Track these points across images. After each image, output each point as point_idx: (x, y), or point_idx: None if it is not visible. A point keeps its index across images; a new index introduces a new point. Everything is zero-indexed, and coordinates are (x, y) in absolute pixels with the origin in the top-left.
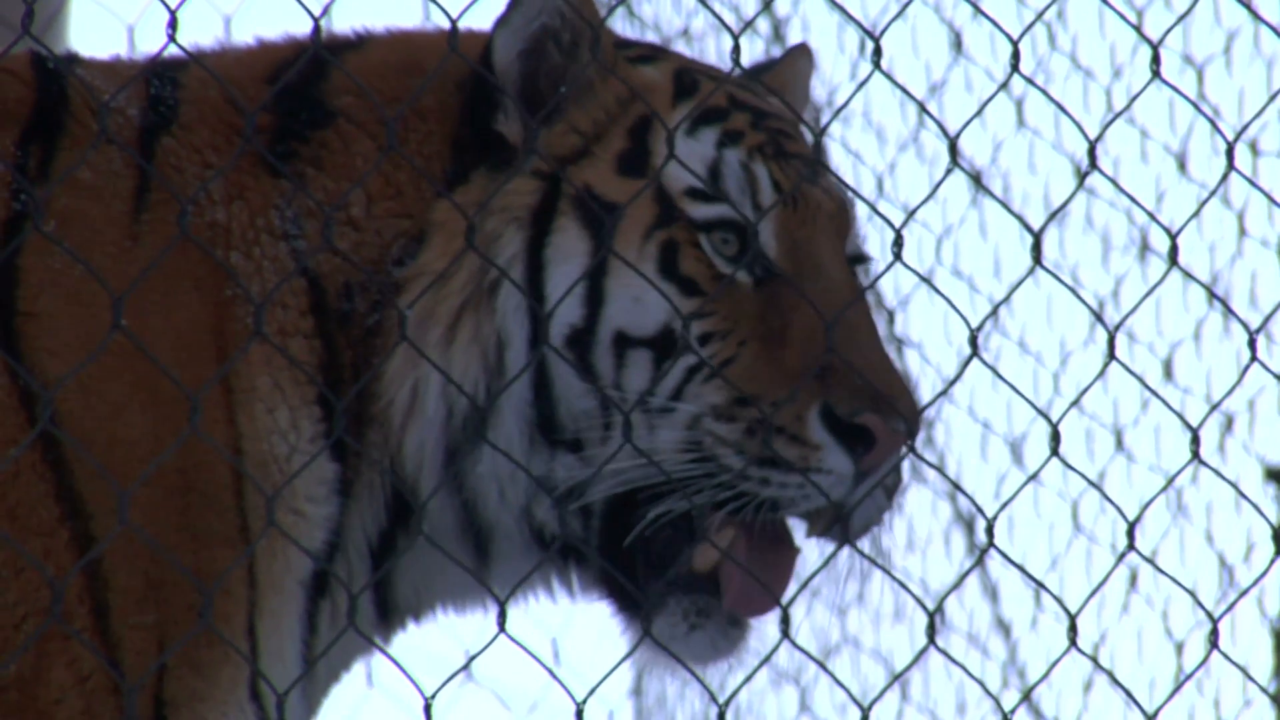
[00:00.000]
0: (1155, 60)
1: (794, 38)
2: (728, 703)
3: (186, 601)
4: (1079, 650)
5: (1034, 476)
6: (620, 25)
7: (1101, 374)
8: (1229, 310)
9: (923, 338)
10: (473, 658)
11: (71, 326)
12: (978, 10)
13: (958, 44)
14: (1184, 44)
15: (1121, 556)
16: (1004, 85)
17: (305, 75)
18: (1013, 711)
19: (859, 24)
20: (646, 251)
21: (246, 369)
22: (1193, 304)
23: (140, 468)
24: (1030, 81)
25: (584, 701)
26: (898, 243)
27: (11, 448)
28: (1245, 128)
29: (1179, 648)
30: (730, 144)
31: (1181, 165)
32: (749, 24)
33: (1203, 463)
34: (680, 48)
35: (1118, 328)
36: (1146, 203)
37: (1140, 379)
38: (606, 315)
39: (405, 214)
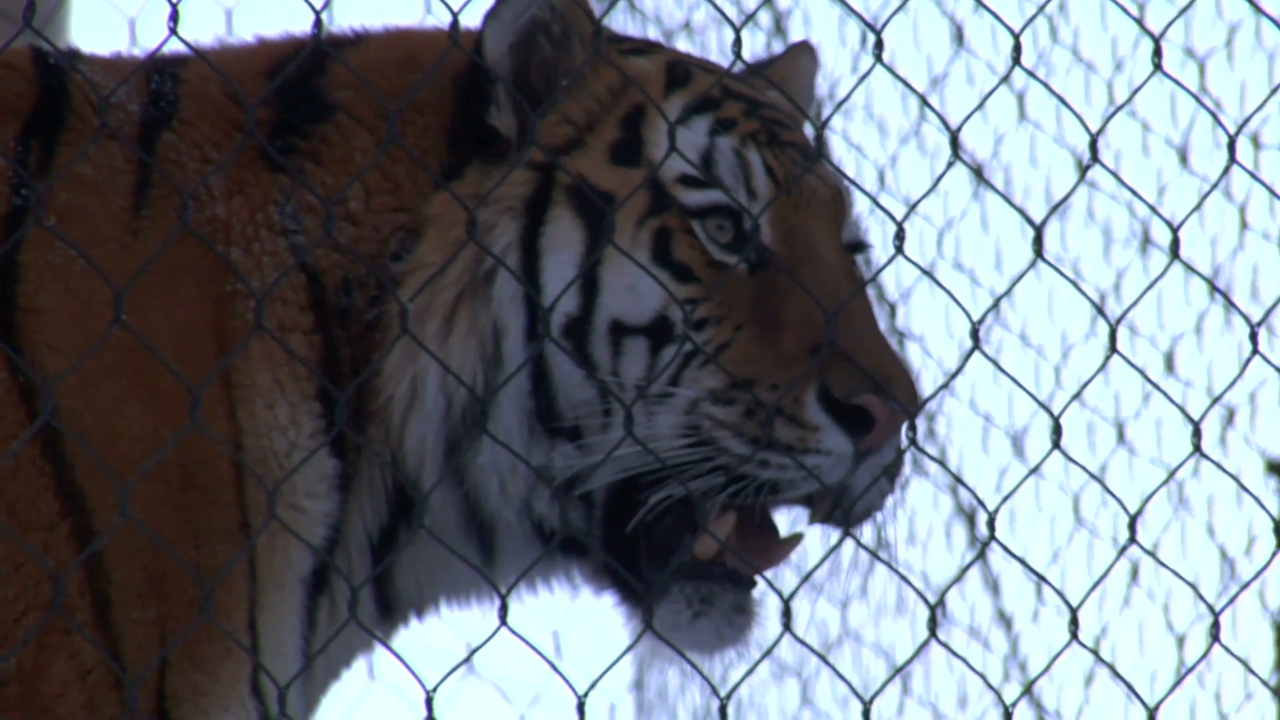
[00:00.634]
0: (1157, 53)
1: (795, 31)
2: (729, 696)
3: (187, 596)
4: (1080, 643)
5: (1035, 469)
6: (621, 19)
7: (1103, 367)
8: (1230, 303)
9: (924, 331)
10: (474, 651)
11: (72, 322)
12: (979, 3)
13: (959, 37)
14: (1185, 37)
15: (1123, 550)
16: (1005, 78)
17: (304, 70)
18: (1014, 705)
19: (860, 17)
20: (639, 239)
21: (246, 365)
22: (1194, 297)
23: (140, 463)
24: (1032, 75)
25: (585, 695)
26: (899, 236)
27: (11, 443)
28: (1247, 121)
29: (1180, 641)
30: (723, 131)
31: (1183, 158)
32: (750, 17)
33: (1204, 456)
34: (682, 41)
35: (1119, 321)
36: (1148, 196)
37: (1142, 372)
38: (602, 304)
39: (403, 208)
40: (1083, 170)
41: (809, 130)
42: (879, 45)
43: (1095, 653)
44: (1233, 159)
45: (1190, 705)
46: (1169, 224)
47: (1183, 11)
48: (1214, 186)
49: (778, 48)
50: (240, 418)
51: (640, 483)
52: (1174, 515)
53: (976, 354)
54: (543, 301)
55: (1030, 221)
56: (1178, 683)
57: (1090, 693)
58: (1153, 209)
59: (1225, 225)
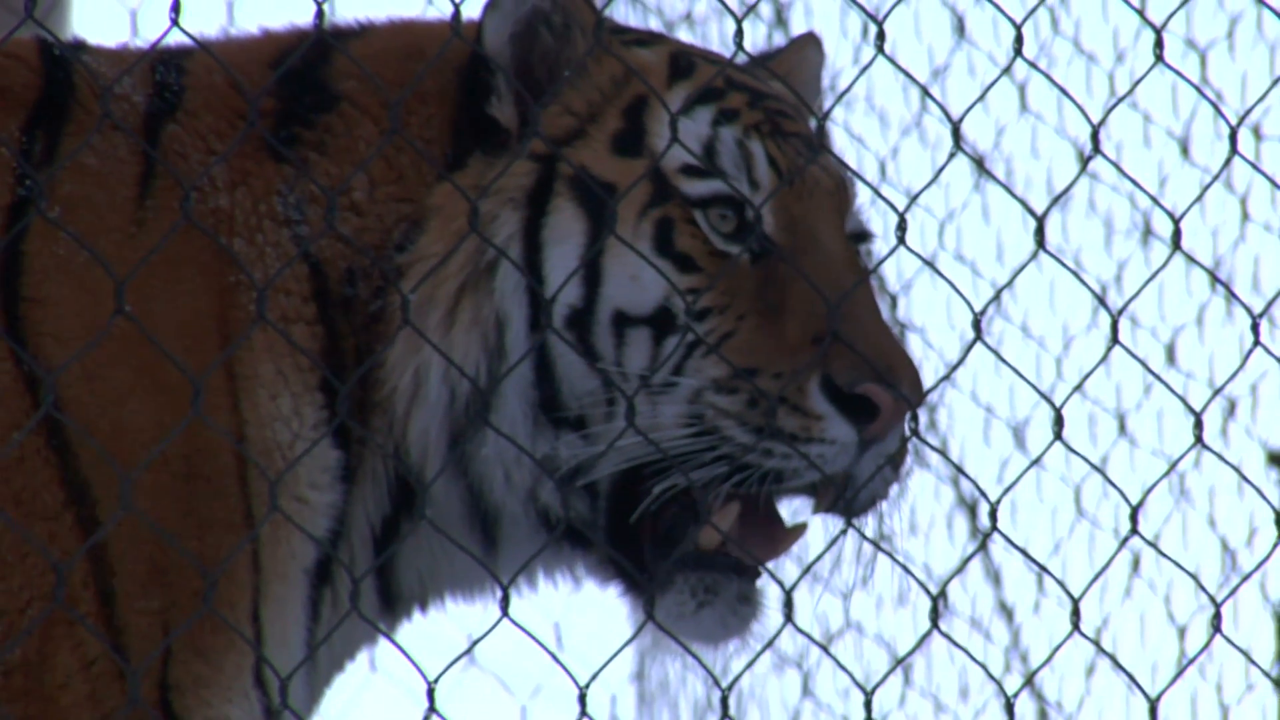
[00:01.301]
0: (1158, 45)
1: (797, 22)
2: (730, 686)
3: (191, 587)
4: (1082, 634)
5: (1037, 461)
6: (623, 10)
7: (1104, 358)
8: (1232, 295)
9: (926, 322)
10: (475, 642)
11: (76, 312)
12: None
13: (960, 28)
14: (1187, 28)
15: (1124, 541)
16: (1007, 70)
17: (309, 60)
18: (1015, 696)
19: (862, 8)
20: (641, 230)
21: (249, 356)
22: (1196, 288)
23: (144, 454)
24: (1033, 66)
25: (587, 686)
26: (901, 227)
27: (15, 433)
28: (1248, 112)
29: (1181, 632)
30: (726, 122)
31: (1184, 150)
32: (752, 8)
33: (1205, 447)
34: (683, 33)
35: (1120, 312)
36: (1149, 187)
37: (1143, 363)
38: (605, 294)
39: (406, 198)
40: (1084, 161)
41: (814, 122)
42: (880, 36)
43: (1097, 644)
44: (1234, 150)
45: (1192, 696)
46: (1170, 215)
47: (1184, 3)
48: (1215, 178)
49: (779, 39)
50: (243, 409)
51: (644, 473)
52: (1175, 507)
53: (978, 345)
54: (545, 293)
55: (1032, 213)
56: (1179, 674)
57: (1092, 684)
58: (1154, 200)
59: (1227, 217)
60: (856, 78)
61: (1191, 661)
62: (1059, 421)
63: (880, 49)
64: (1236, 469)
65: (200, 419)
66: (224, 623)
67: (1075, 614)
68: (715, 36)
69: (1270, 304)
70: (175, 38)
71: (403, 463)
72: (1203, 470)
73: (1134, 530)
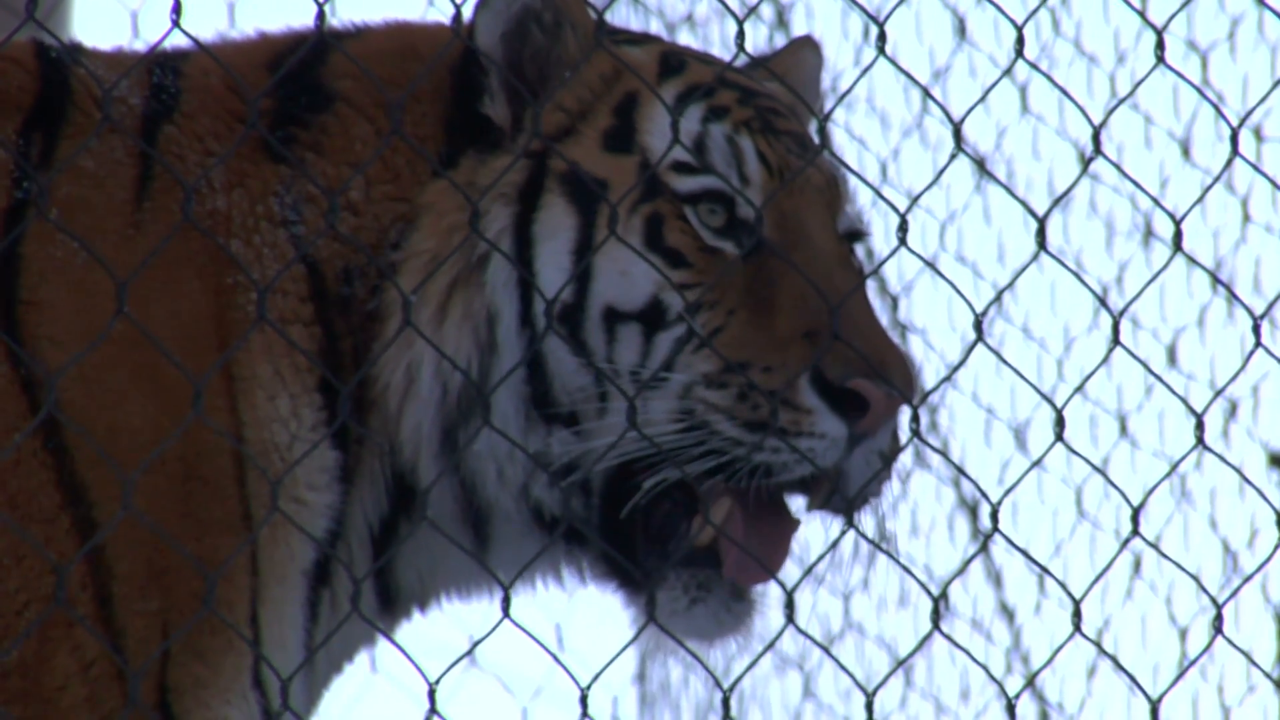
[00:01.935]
0: (1159, 46)
1: (798, 23)
2: (732, 688)
3: (190, 589)
4: (1083, 636)
5: (1038, 462)
6: (624, 11)
7: (1105, 360)
8: (1233, 296)
9: (927, 323)
10: (476, 643)
11: (73, 315)
12: None
13: (962, 29)
14: (1188, 29)
15: (1125, 542)
16: (1008, 71)
17: (304, 60)
18: (1016, 697)
19: (863, 9)
20: (631, 225)
21: (247, 357)
22: (1197, 290)
23: (142, 455)
24: (1034, 67)
25: (588, 687)
26: (902, 228)
27: (13, 435)
28: (1249, 113)
29: (1183, 633)
30: (716, 119)
31: (1185, 151)
32: (753, 9)
33: (1207, 448)
34: (684, 34)
35: (1122, 313)
36: (1150, 188)
37: (1144, 365)
38: (595, 290)
39: (402, 197)
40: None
41: (813, 123)
42: (881, 38)
43: (1098, 645)
44: (1235, 152)
45: (1193, 698)
46: (1172, 216)
47: (1185, 4)
48: (1216, 179)
49: (780, 41)
50: (241, 410)
51: (635, 468)
52: (1177, 508)
53: (979, 346)
54: (539, 288)
55: (1033, 214)
56: (1180, 675)
57: (1093, 685)
58: (1155, 201)
59: (1228, 218)
60: (858, 79)
61: (1193, 663)
62: (1060, 423)
63: (881, 50)
64: (1238, 470)
65: (198, 420)
66: (222, 624)
67: (1077, 615)
68: (716, 38)
69: (1271, 305)
70: (175, 39)
71: (397, 459)
72: (1204, 472)
73: (1135, 531)
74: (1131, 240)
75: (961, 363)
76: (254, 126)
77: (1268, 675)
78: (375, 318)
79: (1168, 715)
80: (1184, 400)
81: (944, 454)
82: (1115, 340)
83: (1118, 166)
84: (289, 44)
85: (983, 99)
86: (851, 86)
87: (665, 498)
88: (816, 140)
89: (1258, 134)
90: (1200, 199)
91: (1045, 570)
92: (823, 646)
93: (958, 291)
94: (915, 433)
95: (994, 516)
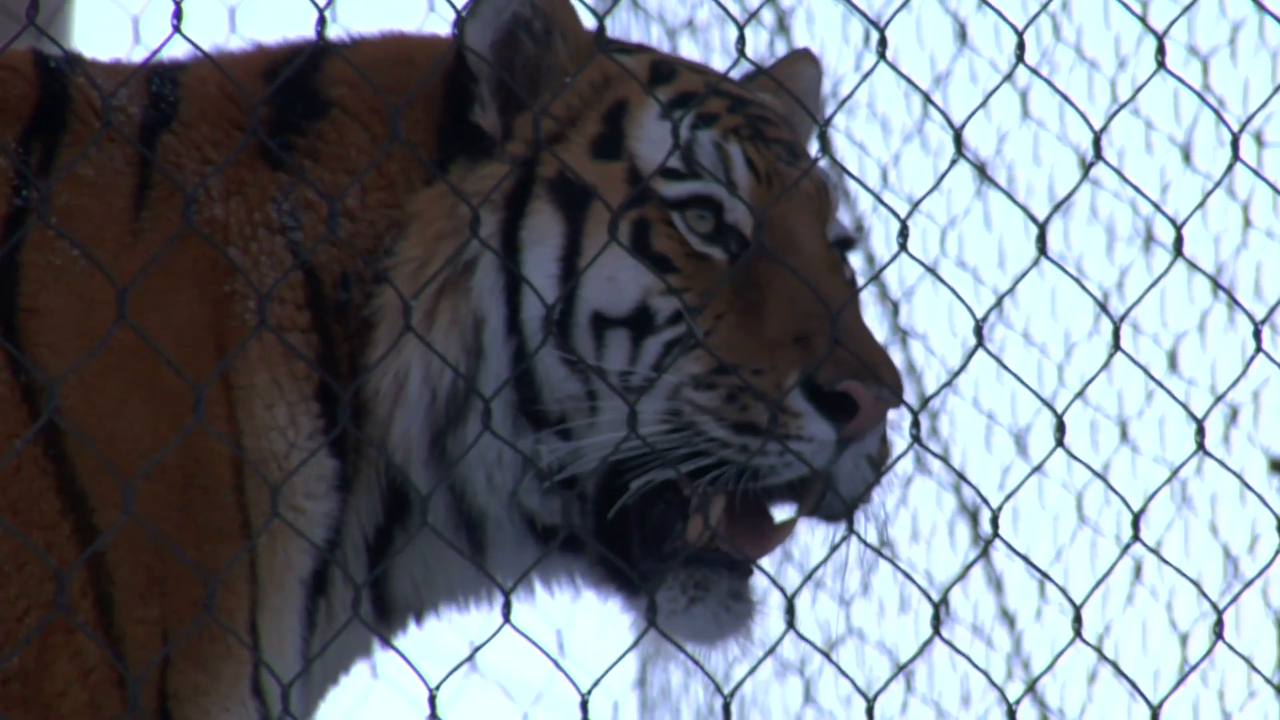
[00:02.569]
0: (1160, 51)
1: (799, 29)
2: (733, 693)
3: (189, 596)
4: (1083, 641)
5: (1039, 468)
6: (624, 17)
7: (1106, 365)
8: (1234, 301)
9: (927, 329)
10: (477, 649)
11: (72, 322)
12: (982, 1)
13: (962, 35)
14: (1189, 35)
15: (1126, 548)
16: (1009, 76)
17: (300, 69)
18: (1017, 703)
19: (864, 15)
20: (619, 231)
21: (245, 365)
22: (1198, 295)
23: (141, 463)
24: (1035, 72)
25: (589, 693)
26: (903, 233)
27: (14, 443)
28: (1250, 119)
29: (1184, 639)
30: (704, 125)
31: (1186, 156)
32: (754, 15)
33: (1208, 454)
34: (684, 39)
35: (1122, 319)
36: (1151, 194)
37: (1145, 370)
38: (583, 296)
39: (396, 204)
40: (1086, 168)
41: (809, 132)
42: (882, 43)
43: (1099, 651)
44: (1236, 157)
45: (1194, 704)
46: (1172, 222)
47: (1186, 9)
48: (1217, 184)
49: (781, 47)
50: (240, 419)
51: (624, 470)
52: (1177, 513)
53: (980, 352)
54: (534, 291)
55: (1034, 219)
56: (1181, 681)
57: (1093, 691)
58: (1156, 207)
59: (1229, 223)
60: (858, 84)
61: (1194, 668)
62: (1061, 428)
63: (882, 55)
64: (1239, 476)
65: (197, 429)
66: (222, 632)
67: (1077, 621)
68: (717, 43)
69: (1272, 310)
70: (176, 45)
71: (392, 467)
72: (1205, 477)
73: (1136, 537)
74: (1132, 245)
75: (962, 368)
76: (255, 133)
77: (1268, 680)
78: (372, 324)
79: None
80: (1185, 406)
81: (944, 459)
82: (1116, 346)
83: (1118, 172)
84: (284, 54)
85: (983, 104)
86: (852, 92)
87: (658, 499)
88: (814, 148)
89: (1259, 139)
90: (1201, 204)
91: (1046, 576)
92: (823, 652)
93: (958, 297)
94: (915, 438)
95: (994, 522)
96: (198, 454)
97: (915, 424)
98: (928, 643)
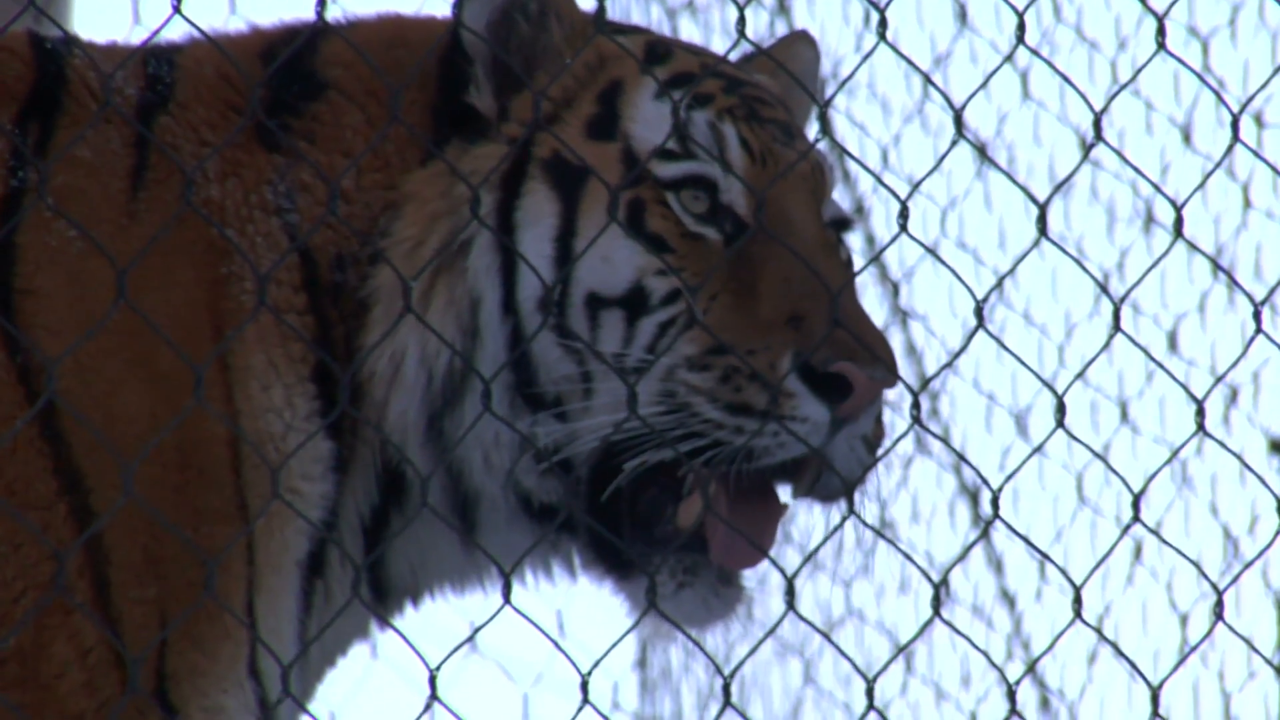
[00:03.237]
0: (1160, 32)
1: (799, 10)
2: (733, 674)
3: (187, 577)
4: (1083, 622)
5: (1039, 448)
6: None
7: (1106, 346)
8: (1234, 282)
9: (928, 310)
10: (477, 629)
11: (69, 304)
12: None
13: (963, 15)
14: (1189, 16)
15: (1126, 529)
16: (1009, 57)
17: (297, 50)
18: (1017, 683)
19: None
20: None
21: (241, 347)
22: (1198, 276)
23: (138, 444)
24: (1035, 53)
25: (589, 674)
26: (903, 214)
27: (11, 423)
28: (1250, 100)
29: (1184, 620)
30: (699, 106)
31: (1186, 137)
32: None
33: (1208, 435)
34: (684, 20)
35: (1123, 300)
36: (1151, 175)
37: (1145, 351)
38: (577, 276)
39: (391, 185)
40: (1086, 149)
41: (812, 115)
42: (883, 24)
43: (1099, 631)
44: (1236, 138)
45: (1193, 684)
46: (1172, 203)
47: None
48: (1217, 165)
49: (781, 28)
50: (237, 400)
51: (619, 451)
52: (1177, 494)
53: (980, 333)
54: (519, 274)
55: (1034, 200)
56: (1181, 661)
57: (1093, 671)
58: (1156, 188)
59: (1229, 204)
60: (859, 65)
61: (1193, 649)
62: (1061, 409)
63: (882, 36)
64: (1238, 457)
65: (194, 411)
66: (219, 613)
67: (1077, 602)
68: (717, 24)
69: (1272, 291)
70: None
71: (388, 449)
72: (1205, 458)
73: (1136, 518)
74: (1132, 226)
75: (962, 349)
76: (253, 115)
77: (1268, 661)
78: (367, 306)
79: (1168, 701)
80: (1185, 387)
81: (945, 440)
82: (1116, 327)
83: (1119, 153)
84: (282, 35)
85: (984, 85)
86: (853, 73)
87: (651, 483)
88: (813, 129)
89: (1258, 120)
90: (1201, 185)
91: (1046, 557)
92: (823, 633)
93: (958, 278)
94: (916, 419)
95: (995, 503)
96: (195, 435)
97: (915, 405)
98: (928, 624)
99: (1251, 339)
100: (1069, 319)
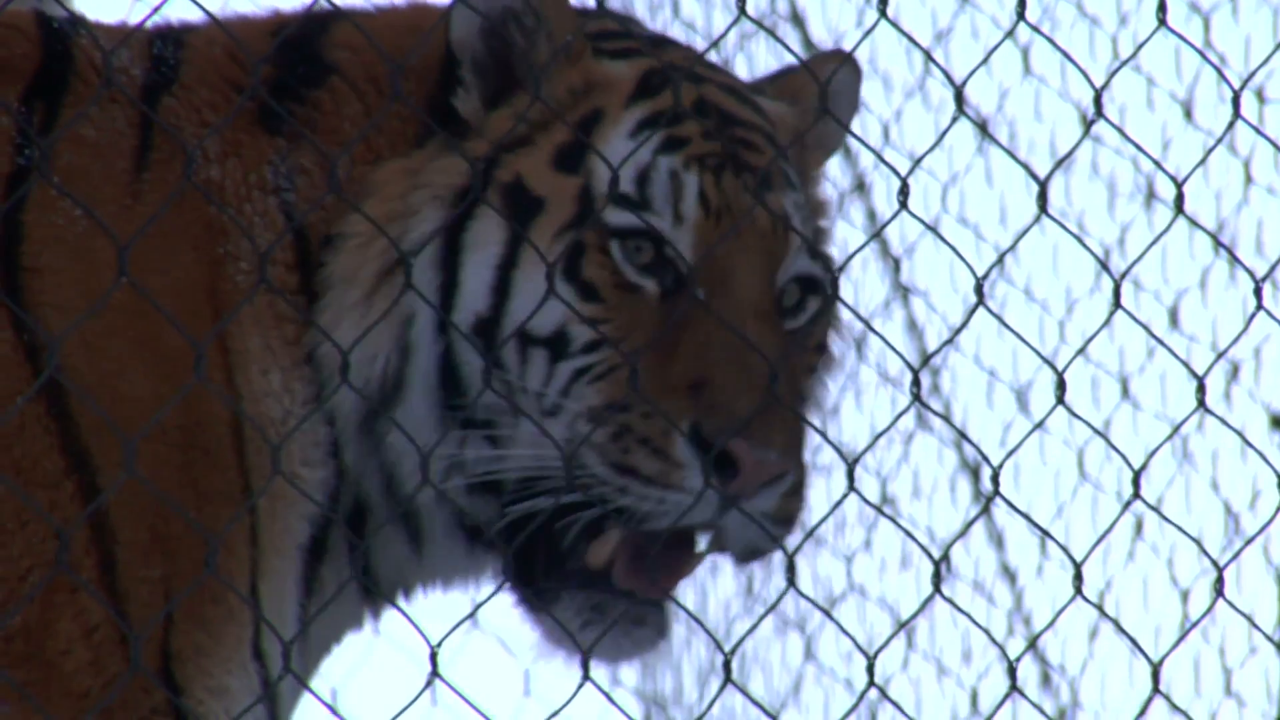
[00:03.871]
0: (1161, 8)
1: None
2: (734, 650)
3: (192, 557)
4: (1084, 598)
5: (1040, 424)
6: None
7: (1107, 322)
8: (1235, 258)
9: (929, 286)
10: (479, 606)
11: (74, 282)
12: None
13: None
14: None
15: (1127, 505)
16: (1010, 33)
17: (307, 31)
18: (1018, 659)
19: None
20: (552, 251)
21: (239, 330)
22: (1199, 252)
23: (142, 424)
24: (1036, 29)
25: (590, 649)
26: (903, 191)
27: (16, 401)
28: (1251, 75)
29: (1184, 596)
30: (668, 150)
31: (1188, 113)
32: None
33: (1208, 411)
34: None
35: (1123, 276)
36: (1152, 150)
37: (1146, 327)
38: (511, 309)
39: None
40: (1087, 125)
41: (836, 146)
42: (883, 0)
43: (1099, 608)
44: (1237, 114)
45: (1194, 660)
46: (1173, 179)
47: None
48: (1219, 141)
49: (783, 5)
50: (238, 383)
51: (535, 483)
52: (1178, 470)
53: (981, 309)
54: (457, 297)
55: (1035, 176)
56: (1182, 638)
57: (1094, 647)
58: (1157, 164)
59: (1230, 180)
60: (860, 41)
61: (1194, 625)
62: (1061, 386)
63: (883, 12)
64: (1239, 433)
65: (197, 392)
66: (223, 593)
67: (1078, 578)
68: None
69: (1274, 267)
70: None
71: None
72: (1206, 434)
73: (1136, 494)
74: (1133, 202)
75: (963, 325)
76: (255, 94)
77: (1269, 638)
78: (316, 292)
79: (1169, 677)
80: (1185, 363)
81: (945, 417)
82: (1117, 303)
83: (1119, 129)
84: (296, 18)
85: (985, 61)
86: (854, 49)
87: (566, 517)
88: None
89: (1260, 96)
90: (1202, 161)
91: (1046, 533)
92: (824, 609)
93: (959, 255)
94: (916, 396)
95: (995, 479)
96: (198, 416)
97: (916, 382)
98: (929, 600)
99: (1253, 315)
100: (1070, 295)
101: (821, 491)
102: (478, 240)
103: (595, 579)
